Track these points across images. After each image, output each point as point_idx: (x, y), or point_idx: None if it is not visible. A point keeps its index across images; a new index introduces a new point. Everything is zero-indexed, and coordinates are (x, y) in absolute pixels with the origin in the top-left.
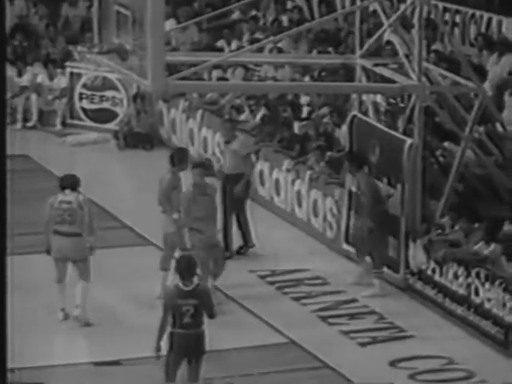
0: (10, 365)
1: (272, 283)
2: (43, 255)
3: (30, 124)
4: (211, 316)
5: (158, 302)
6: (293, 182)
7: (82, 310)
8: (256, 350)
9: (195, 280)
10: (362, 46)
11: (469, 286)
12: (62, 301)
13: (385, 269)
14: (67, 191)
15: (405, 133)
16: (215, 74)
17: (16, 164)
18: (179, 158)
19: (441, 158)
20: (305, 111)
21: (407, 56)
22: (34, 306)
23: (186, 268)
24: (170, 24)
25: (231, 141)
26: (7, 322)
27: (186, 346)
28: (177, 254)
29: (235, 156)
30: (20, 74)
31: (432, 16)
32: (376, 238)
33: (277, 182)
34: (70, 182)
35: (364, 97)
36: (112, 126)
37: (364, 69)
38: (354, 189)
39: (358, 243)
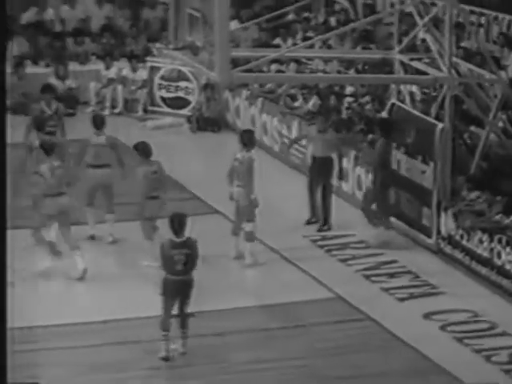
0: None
1: (322, 247)
2: None
3: (116, 111)
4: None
5: (233, 262)
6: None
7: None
8: (308, 304)
9: (186, 234)
10: (400, 43)
11: (492, 250)
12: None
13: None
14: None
15: (437, 118)
16: (273, 67)
17: None
18: (249, 138)
19: (468, 140)
20: (349, 100)
21: (439, 52)
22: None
23: (178, 224)
24: (234, 24)
25: (324, 130)
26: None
27: (177, 289)
28: (245, 223)
29: (327, 143)
30: (108, 68)
31: (460, 17)
32: (378, 198)
33: None
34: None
35: (401, 87)
36: (185, 111)
37: (402, 63)
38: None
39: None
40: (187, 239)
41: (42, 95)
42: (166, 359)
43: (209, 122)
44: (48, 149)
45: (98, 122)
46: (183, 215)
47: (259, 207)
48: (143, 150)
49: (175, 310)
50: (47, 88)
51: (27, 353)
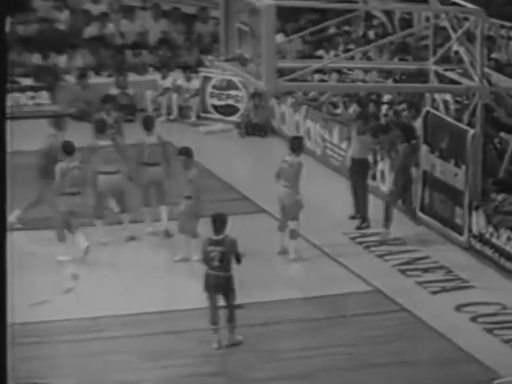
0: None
1: (361, 243)
2: None
3: (171, 117)
4: (238, 261)
5: (277, 257)
6: (377, 162)
7: None
8: (348, 296)
9: (225, 232)
10: (434, 55)
11: None
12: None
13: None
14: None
15: (469, 124)
16: (316, 77)
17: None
18: (298, 144)
19: (497, 145)
20: (387, 107)
21: (471, 63)
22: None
23: (220, 222)
24: (279, 37)
25: (362, 133)
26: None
27: (216, 284)
28: (290, 221)
29: (363, 145)
30: (164, 78)
31: (491, 31)
32: (401, 199)
33: None
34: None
35: (436, 95)
36: (235, 118)
37: (436, 73)
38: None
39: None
40: (224, 237)
41: (102, 105)
42: (218, 349)
43: (256, 128)
44: (68, 150)
45: (148, 124)
46: (225, 215)
47: (303, 207)
48: (188, 153)
49: (222, 303)
50: (108, 98)
51: (91, 341)
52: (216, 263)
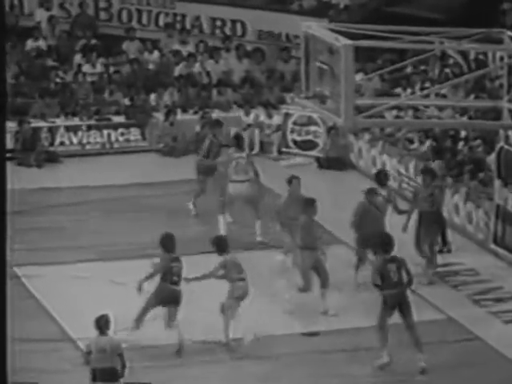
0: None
1: (436, 273)
2: None
3: (254, 152)
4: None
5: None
6: (452, 195)
7: None
8: (424, 324)
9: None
10: (508, 93)
11: None
12: None
13: None
14: None
15: None
16: (393, 113)
17: None
18: (385, 177)
19: None
20: (462, 143)
21: None
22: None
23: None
24: (358, 76)
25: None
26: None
27: (394, 302)
28: None
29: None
30: (247, 115)
31: None
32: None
33: None
34: None
35: (510, 132)
36: (314, 152)
37: (510, 110)
38: None
39: None
40: (396, 256)
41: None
42: (387, 365)
43: (334, 162)
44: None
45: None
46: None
47: None
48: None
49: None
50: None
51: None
52: (395, 279)
